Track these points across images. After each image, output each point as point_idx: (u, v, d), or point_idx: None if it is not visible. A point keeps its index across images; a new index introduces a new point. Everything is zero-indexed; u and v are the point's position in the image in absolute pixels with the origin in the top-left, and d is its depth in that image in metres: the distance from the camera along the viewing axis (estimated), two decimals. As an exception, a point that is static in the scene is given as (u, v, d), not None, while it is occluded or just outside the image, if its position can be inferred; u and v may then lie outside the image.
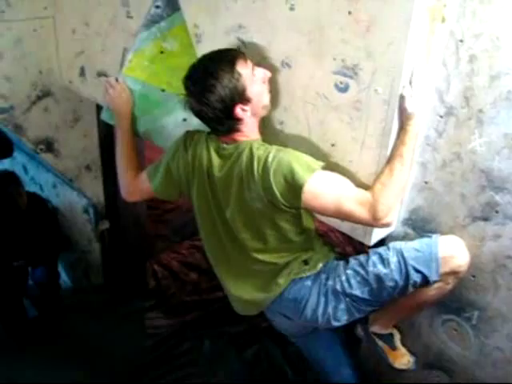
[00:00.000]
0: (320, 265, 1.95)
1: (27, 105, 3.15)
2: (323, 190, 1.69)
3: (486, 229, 1.78)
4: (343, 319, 1.95)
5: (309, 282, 1.94)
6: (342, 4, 1.66)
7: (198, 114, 1.84)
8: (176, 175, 2.03)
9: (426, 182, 1.86)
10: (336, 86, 1.76)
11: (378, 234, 1.91)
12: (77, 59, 2.98)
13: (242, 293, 2.07)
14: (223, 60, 1.77)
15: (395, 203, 1.71)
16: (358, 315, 1.96)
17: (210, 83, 1.73)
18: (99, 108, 3.33)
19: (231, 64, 1.75)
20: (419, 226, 1.93)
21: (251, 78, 1.78)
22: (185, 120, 2.26)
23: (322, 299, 1.92)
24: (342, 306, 1.91)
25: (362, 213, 1.67)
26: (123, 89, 2.29)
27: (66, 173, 3.60)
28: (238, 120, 1.80)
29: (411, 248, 1.84)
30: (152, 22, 2.22)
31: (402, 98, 1.64)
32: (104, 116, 2.43)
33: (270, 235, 1.88)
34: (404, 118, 1.67)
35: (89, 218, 3.88)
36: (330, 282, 1.91)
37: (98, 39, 2.77)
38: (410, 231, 1.97)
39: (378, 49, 1.62)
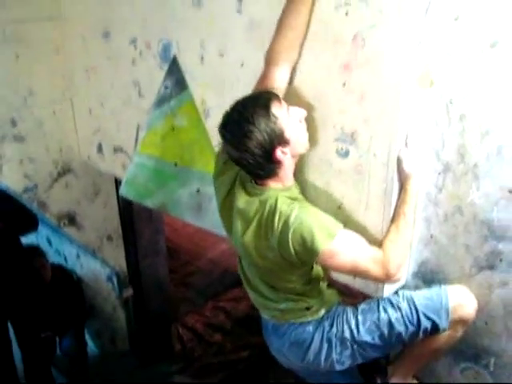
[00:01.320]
0: (322, 311, 1.98)
1: (49, 182, 3.31)
2: (340, 251, 1.73)
3: (493, 277, 1.85)
4: (347, 363, 2.00)
5: (310, 328, 1.98)
6: (336, 77, 1.79)
7: (237, 162, 1.79)
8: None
9: (431, 236, 1.95)
10: (337, 152, 1.88)
11: (389, 289, 1.99)
12: (94, 136, 3.15)
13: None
14: (258, 104, 1.71)
15: (404, 259, 1.82)
16: (361, 360, 2.01)
17: (248, 129, 1.68)
18: (117, 180, 3.49)
19: (266, 107, 1.69)
20: (428, 278, 2.01)
21: (287, 118, 1.73)
22: (198, 191, 2.39)
23: (325, 345, 1.96)
24: (348, 352, 1.96)
25: (376, 271, 1.74)
26: None
27: (89, 244, 3.73)
28: (279, 163, 1.76)
29: (421, 296, 1.91)
30: (162, 101, 2.38)
31: (399, 160, 1.75)
32: (123, 191, 2.56)
33: (275, 282, 1.93)
34: (403, 178, 1.78)
35: (113, 287, 3.98)
36: (335, 329, 1.95)
37: (112, 117, 2.94)
38: (420, 283, 2.04)
39: (373, 116, 1.74)
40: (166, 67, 2.43)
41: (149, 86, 2.57)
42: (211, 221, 2.40)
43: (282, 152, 1.74)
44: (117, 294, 4.02)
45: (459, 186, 1.82)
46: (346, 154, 1.86)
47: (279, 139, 1.71)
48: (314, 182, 2.00)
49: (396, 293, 1.97)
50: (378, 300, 1.97)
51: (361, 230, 1.90)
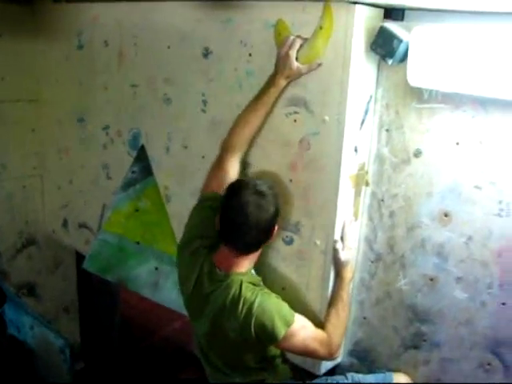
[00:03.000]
0: None
1: (13, 253, 3.46)
2: (294, 336, 1.92)
3: (418, 356, 2.07)
4: None
5: None
6: (284, 174, 2.07)
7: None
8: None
9: (364, 318, 2.18)
10: (283, 239, 2.12)
11: (326, 365, 2.19)
12: (60, 211, 3.34)
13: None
14: (263, 182, 1.90)
15: (342, 339, 2.05)
16: None
17: (262, 207, 1.84)
18: (78, 254, 3.65)
19: (270, 185, 1.92)
20: (362, 356, 2.22)
21: None
22: (156, 268, 2.59)
23: None
24: None
25: (322, 351, 1.96)
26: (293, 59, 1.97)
27: (46, 314, 3.80)
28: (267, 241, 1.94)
29: (368, 380, 2.10)
30: (128, 184, 2.61)
31: (335, 250, 1.99)
32: (86, 265, 2.74)
33: (232, 359, 2.08)
34: (339, 266, 2.02)
35: (64, 358, 4.03)
36: None
37: (80, 195, 3.14)
38: (355, 361, 2.25)
39: (315, 209, 2.00)
40: (134, 154, 2.68)
41: (117, 170, 2.80)
42: (167, 297, 2.59)
43: (275, 229, 1.93)
44: (67, 367, 4.07)
45: (389, 274, 2.07)
46: (291, 241, 2.10)
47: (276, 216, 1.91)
48: (263, 264, 2.18)
49: (345, 375, 2.13)
50: (327, 379, 2.15)
51: (302, 309, 2.10)
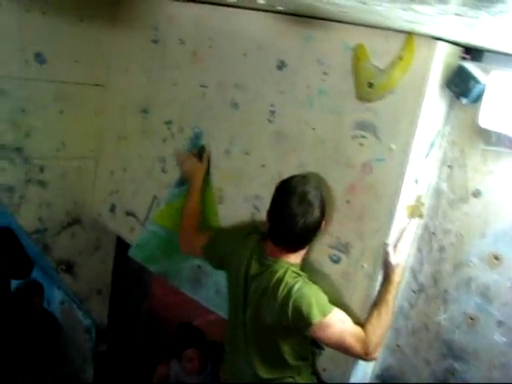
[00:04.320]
0: None
1: (58, 229, 3.55)
2: (330, 327, 1.97)
3: (445, 392, 2.10)
4: None
5: None
6: (342, 194, 2.11)
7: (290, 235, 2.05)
8: (225, 249, 2.31)
9: (397, 345, 2.20)
10: (330, 257, 2.16)
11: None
12: (110, 196, 3.42)
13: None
14: (312, 183, 2.04)
15: (382, 341, 2.05)
16: None
17: (307, 208, 1.98)
18: (118, 240, 3.74)
19: (318, 185, 2.06)
20: (389, 382, 2.24)
21: None
22: (199, 267, 2.65)
23: None
24: None
25: (357, 348, 1.98)
26: (189, 156, 2.67)
27: (79, 293, 3.92)
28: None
29: None
30: (183, 182, 2.67)
31: (386, 253, 2.00)
32: (132, 252, 2.80)
33: (269, 350, 2.14)
34: (388, 269, 2.03)
35: (89, 338, 4.12)
36: None
37: (132, 184, 3.22)
38: (380, 386, 2.28)
39: (367, 233, 2.04)
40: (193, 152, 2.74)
41: (173, 165, 2.87)
42: (205, 295, 2.65)
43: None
44: (91, 347, 4.16)
45: (429, 306, 2.09)
46: (338, 260, 2.14)
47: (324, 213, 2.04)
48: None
49: None
50: None
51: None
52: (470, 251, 1.97)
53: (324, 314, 1.96)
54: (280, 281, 2.02)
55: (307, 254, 2.17)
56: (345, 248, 2.12)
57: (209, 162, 2.62)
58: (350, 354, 2.03)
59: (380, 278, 2.05)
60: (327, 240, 2.17)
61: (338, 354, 2.12)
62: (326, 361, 2.27)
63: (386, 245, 2.01)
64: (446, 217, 2.02)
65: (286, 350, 2.11)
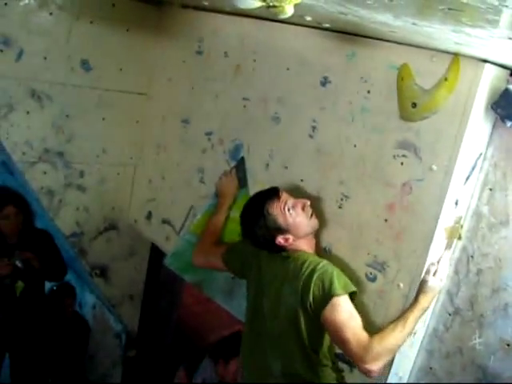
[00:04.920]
0: None
1: (95, 233, 3.62)
2: (341, 309, 1.94)
3: (477, 417, 2.07)
4: None
5: None
6: (380, 212, 2.10)
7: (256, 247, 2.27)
8: (244, 253, 2.39)
9: (430, 368, 2.17)
10: (366, 275, 2.16)
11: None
12: (147, 204, 3.47)
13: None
14: (255, 205, 2.22)
15: (385, 357, 1.88)
16: None
17: (249, 226, 2.22)
18: (153, 247, 3.78)
19: (261, 207, 2.16)
20: (420, 405, 2.22)
21: (283, 213, 2.14)
22: (233, 278, 2.65)
23: None
24: None
25: (354, 347, 1.87)
26: (233, 179, 2.71)
27: (111, 298, 3.97)
28: (284, 247, 2.16)
29: None
30: (220, 194, 2.70)
31: (427, 272, 1.97)
32: (167, 261, 2.83)
33: (289, 338, 2.11)
34: (421, 289, 1.96)
35: (119, 343, 4.18)
36: None
37: (169, 193, 3.26)
38: (412, 408, 2.25)
39: (405, 253, 2.03)
40: (232, 164, 2.77)
41: (211, 176, 2.90)
42: (237, 306, 2.65)
43: (284, 239, 2.15)
44: (121, 352, 4.21)
45: (464, 330, 2.06)
46: (374, 279, 2.13)
47: (277, 230, 2.14)
48: None
49: None
50: None
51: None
52: (508, 276, 1.94)
53: (346, 288, 1.98)
54: (304, 262, 2.07)
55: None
56: (381, 266, 2.11)
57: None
58: (346, 350, 1.93)
59: (416, 298, 2.03)
60: (364, 258, 2.16)
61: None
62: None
63: (431, 264, 1.98)
64: (485, 240, 2.00)
65: (304, 336, 2.08)
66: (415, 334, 2.12)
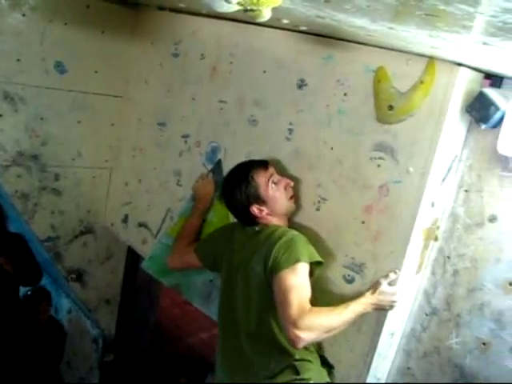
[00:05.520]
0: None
1: (71, 237, 3.59)
2: (299, 274, 1.94)
3: (455, 417, 2.09)
4: None
5: None
6: (358, 214, 2.11)
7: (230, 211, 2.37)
8: (216, 240, 2.44)
9: (408, 368, 2.19)
10: (344, 277, 2.16)
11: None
12: (123, 207, 3.44)
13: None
14: (242, 169, 2.28)
15: (315, 332, 1.85)
16: None
17: (230, 187, 2.27)
18: (129, 251, 3.76)
19: (247, 172, 2.23)
20: (398, 405, 2.24)
21: (266, 183, 2.20)
22: (211, 281, 2.65)
23: None
24: None
25: (294, 310, 1.84)
26: (210, 182, 2.73)
27: (87, 303, 3.93)
28: (257, 217, 2.22)
29: None
30: (197, 197, 2.69)
31: (387, 276, 1.99)
32: (145, 265, 2.82)
33: (260, 328, 2.08)
34: (373, 287, 2.01)
35: (96, 348, 4.13)
36: None
37: (146, 196, 3.25)
38: (390, 409, 2.27)
39: (382, 254, 2.04)
40: (208, 166, 2.76)
41: (188, 178, 2.89)
42: (216, 309, 2.63)
43: (258, 209, 2.21)
44: (98, 357, 4.17)
45: (441, 330, 2.09)
46: (352, 280, 2.14)
47: (255, 199, 2.20)
48: (320, 297, 2.16)
49: None
50: None
51: (349, 349, 2.15)
52: (485, 276, 1.96)
53: (310, 257, 2.01)
54: (274, 231, 2.12)
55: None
56: (359, 268, 2.12)
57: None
58: (285, 312, 1.87)
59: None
60: (342, 260, 2.17)
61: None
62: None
63: (393, 271, 1.99)
64: (461, 241, 2.03)
65: (276, 327, 2.04)
66: (393, 334, 2.14)
